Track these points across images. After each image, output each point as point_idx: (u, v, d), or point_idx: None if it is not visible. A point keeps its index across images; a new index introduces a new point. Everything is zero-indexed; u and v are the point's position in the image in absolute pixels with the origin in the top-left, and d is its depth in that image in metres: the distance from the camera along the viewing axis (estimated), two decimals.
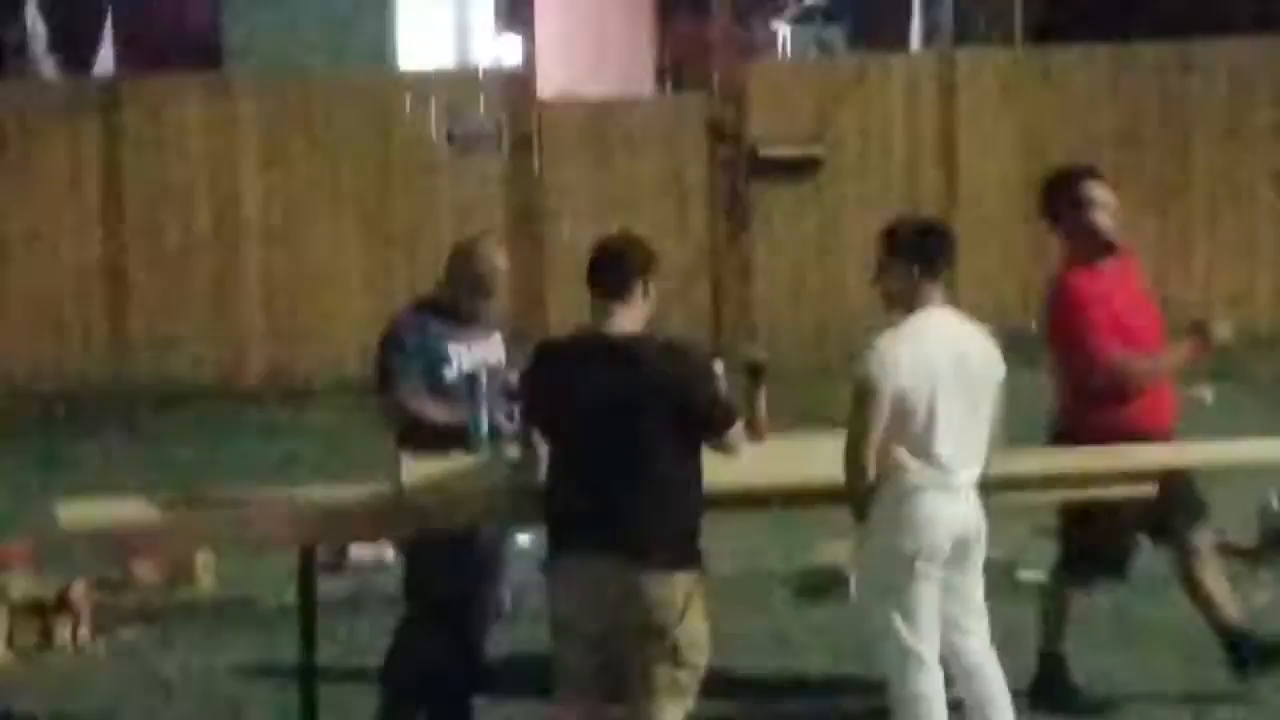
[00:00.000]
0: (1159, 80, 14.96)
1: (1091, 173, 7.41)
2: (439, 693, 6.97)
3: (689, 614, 5.77)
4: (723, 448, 5.89)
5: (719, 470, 5.99)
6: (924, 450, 6.03)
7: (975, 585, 6.30)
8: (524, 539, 8.76)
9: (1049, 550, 9.43)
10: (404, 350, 6.80)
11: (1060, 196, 7.28)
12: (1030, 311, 14.87)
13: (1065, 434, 7.22)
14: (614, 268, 5.84)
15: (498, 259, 6.96)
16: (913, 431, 6.01)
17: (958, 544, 6.14)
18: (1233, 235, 15.07)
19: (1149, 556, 8.81)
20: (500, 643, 7.72)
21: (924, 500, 6.04)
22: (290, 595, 6.97)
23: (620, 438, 5.69)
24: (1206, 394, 13.00)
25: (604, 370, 5.75)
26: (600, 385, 5.73)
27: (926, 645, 6.09)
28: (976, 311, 16.37)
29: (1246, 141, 15.01)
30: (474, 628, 7.01)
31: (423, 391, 6.76)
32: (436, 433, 6.67)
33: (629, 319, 5.82)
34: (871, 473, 6.04)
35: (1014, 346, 14.77)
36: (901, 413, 6.00)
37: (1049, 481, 7.09)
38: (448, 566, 6.75)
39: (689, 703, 5.86)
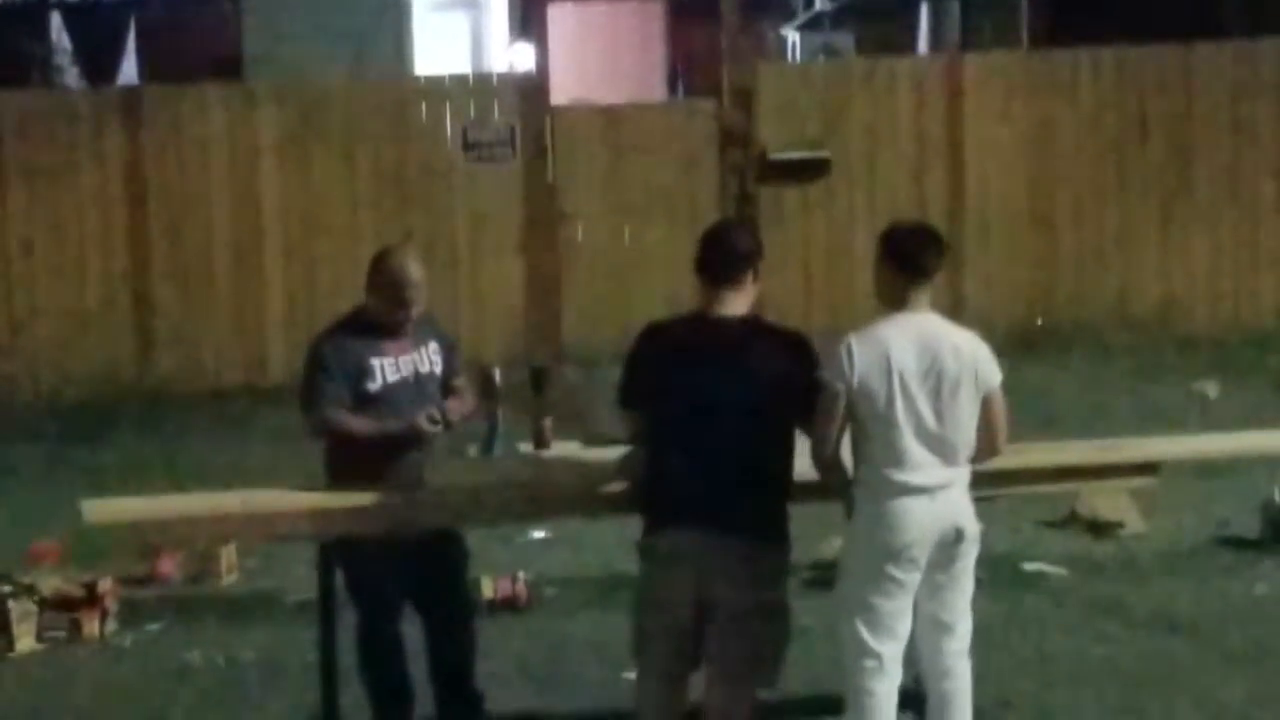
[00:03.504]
0: (1161, 83, 15.06)
1: None
2: (436, 685, 6.94)
3: (776, 589, 5.88)
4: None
5: None
6: (890, 452, 5.94)
7: (961, 586, 6.14)
8: (539, 533, 8.90)
9: (1053, 542, 9.64)
10: (325, 366, 6.74)
11: None
12: (1035, 310, 15.05)
13: None
14: (725, 253, 5.95)
15: (411, 270, 6.79)
16: (876, 432, 5.94)
17: (940, 545, 6.01)
18: (1236, 234, 15.16)
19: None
20: (516, 633, 7.85)
21: (894, 503, 5.94)
22: (312, 589, 7.04)
23: (729, 418, 5.78)
24: (1209, 389, 13.13)
25: (714, 352, 5.84)
26: (710, 366, 5.83)
27: (887, 647, 6.01)
28: (982, 310, 16.61)
29: (1248, 142, 15.10)
30: (439, 622, 6.94)
31: (346, 405, 6.71)
32: (361, 445, 6.67)
33: (738, 303, 5.93)
34: (847, 467, 6.01)
35: (1021, 345, 15.00)
36: (864, 414, 5.93)
37: (1054, 474, 7.14)
38: (382, 568, 6.72)
39: (770, 679, 5.93)
